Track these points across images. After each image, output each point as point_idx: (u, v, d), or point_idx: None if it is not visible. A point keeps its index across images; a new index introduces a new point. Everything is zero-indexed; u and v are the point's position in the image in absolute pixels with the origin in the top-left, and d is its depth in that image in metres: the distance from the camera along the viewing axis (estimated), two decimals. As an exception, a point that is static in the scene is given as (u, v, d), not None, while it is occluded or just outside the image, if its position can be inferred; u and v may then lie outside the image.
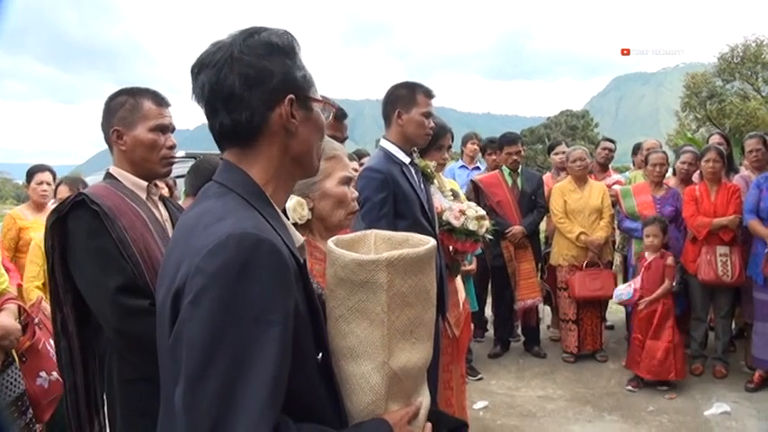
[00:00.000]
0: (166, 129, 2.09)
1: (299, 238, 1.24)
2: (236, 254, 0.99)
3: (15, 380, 2.54)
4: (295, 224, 1.62)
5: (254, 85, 1.12)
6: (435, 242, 1.33)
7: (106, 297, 1.85)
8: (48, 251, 1.98)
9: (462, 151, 6.71)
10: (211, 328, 0.97)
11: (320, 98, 1.22)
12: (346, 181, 1.78)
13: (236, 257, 0.99)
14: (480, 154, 6.45)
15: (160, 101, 2.09)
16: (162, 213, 2.13)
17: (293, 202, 1.68)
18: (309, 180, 1.71)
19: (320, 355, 1.17)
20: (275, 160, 1.18)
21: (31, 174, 4.66)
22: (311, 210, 1.73)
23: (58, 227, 1.94)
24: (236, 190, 1.14)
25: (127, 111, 2.04)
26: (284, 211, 1.61)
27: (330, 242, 1.31)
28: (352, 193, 1.80)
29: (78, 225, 1.91)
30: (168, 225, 2.12)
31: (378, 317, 1.20)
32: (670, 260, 4.80)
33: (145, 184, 2.10)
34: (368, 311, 1.20)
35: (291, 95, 1.14)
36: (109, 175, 2.10)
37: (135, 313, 1.82)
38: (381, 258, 1.19)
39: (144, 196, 2.09)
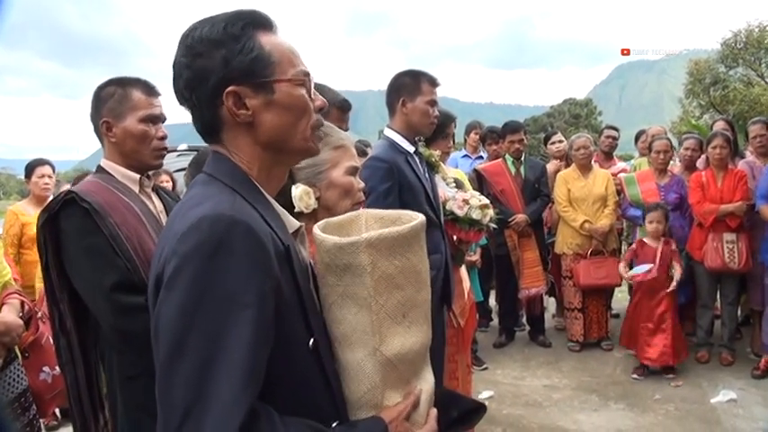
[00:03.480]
0: (157, 119, 2.04)
1: (293, 223, 1.22)
2: (208, 235, 0.98)
3: (18, 376, 2.51)
4: (300, 213, 1.60)
5: (194, 87, 1.11)
6: (423, 219, 1.27)
7: (102, 295, 1.83)
8: (40, 249, 1.95)
9: (465, 140, 6.68)
10: (183, 310, 0.96)
11: (282, 77, 1.13)
12: (353, 171, 1.77)
13: (209, 239, 0.98)
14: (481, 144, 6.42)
15: (150, 90, 2.05)
16: (156, 205, 2.10)
17: (300, 190, 1.67)
18: (316, 169, 1.70)
19: (311, 341, 1.14)
20: (246, 150, 1.15)
21: (31, 168, 4.65)
22: (317, 199, 1.71)
23: (50, 225, 1.91)
24: (221, 178, 1.13)
25: (116, 101, 1.99)
26: (288, 200, 1.59)
27: (316, 227, 1.27)
28: (358, 183, 1.79)
29: (70, 224, 1.88)
30: (163, 217, 2.08)
31: (365, 301, 1.16)
32: (674, 246, 4.81)
33: (137, 176, 2.06)
34: (355, 296, 1.17)
35: (232, 88, 1.09)
36: (100, 169, 2.07)
37: (131, 311, 1.80)
38: (360, 240, 1.15)
39: (137, 189, 2.05)
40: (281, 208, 1.22)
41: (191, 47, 1.10)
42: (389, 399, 1.21)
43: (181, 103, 1.17)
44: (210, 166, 1.17)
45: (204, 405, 0.92)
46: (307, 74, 1.17)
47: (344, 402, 1.21)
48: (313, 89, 1.20)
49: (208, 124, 1.14)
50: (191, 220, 1.01)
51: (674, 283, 4.70)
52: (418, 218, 1.27)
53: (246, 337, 0.96)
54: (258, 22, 1.13)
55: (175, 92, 1.16)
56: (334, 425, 1.14)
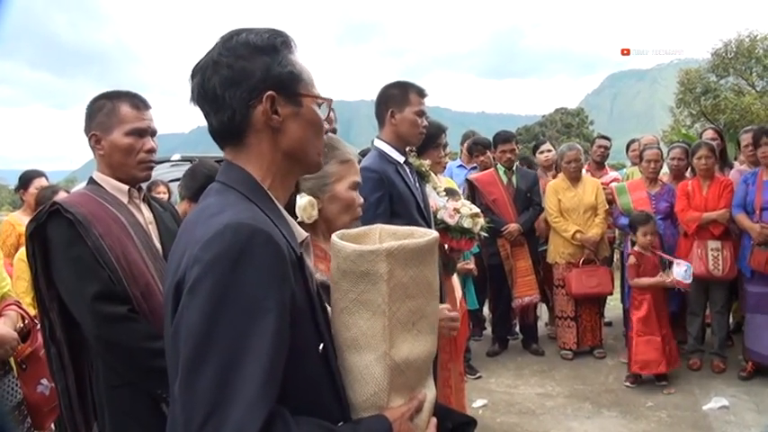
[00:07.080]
0: (144, 132, 2.07)
1: (301, 233, 1.26)
2: (232, 243, 1.01)
3: (12, 389, 2.52)
4: (302, 223, 1.62)
5: (232, 86, 1.15)
6: (437, 234, 1.34)
7: (84, 305, 1.86)
8: (29, 259, 1.99)
9: (461, 150, 6.69)
10: (207, 315, 0.99)
11: (311, 93, 1.22)
12: (355, 186, 1.80)
13: (232, 246, 1.01)
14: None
15: (138, 104, 2.08)
16: (145, 216, 2.13)
17: (305, 201, 1.70)
18: (322, 181, 1.73)
19: (321, 346, 1.18)
20: (267, 156, 1.20)
21: (28, 179, 4.66)
22: (319, 210, 1.74)
23: (38, 235, 1.94)
24: (236, 187, 1.17)
25: (104, 115, 2.04)
26: (290, 209, 1.62)
27: (335, 235, 1.32)
28: (358, 198, 1.82)
29: (56, 234, 1.92)
30: (152, 227, 2.12)
31: (379, 308, 1.21)
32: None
33: (126, 188, 2.09)
34: (369, 302, 1.21)
35: (271, 92, 1.15)
36: (92, 181, 2.11)
37: (113, 320, 1.84)
38: (381, 248, 1.20)
39: (126, 200, 2.08)
40: (291, 218, 1.26)
41: (233, 48, 1.16)
42: (394, 403, 1.24)
43: (199, 102, 1.19)
44: (223, 174, 1.21)
45: (227, 406, 0.95)
46: (329, 98, 1.26)
47: (349, 405, 1.24)
48: (330, 114, 1.29)
49: (236, 124, 1.17)
50: (214, 227, 1.04)
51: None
52: (432, 234, 1.33)
53: (267, 342, 0.99)
54: (290, 42, 1.21)
55: (200, 90, 1.18)
56: (340, 424, 1.17)
